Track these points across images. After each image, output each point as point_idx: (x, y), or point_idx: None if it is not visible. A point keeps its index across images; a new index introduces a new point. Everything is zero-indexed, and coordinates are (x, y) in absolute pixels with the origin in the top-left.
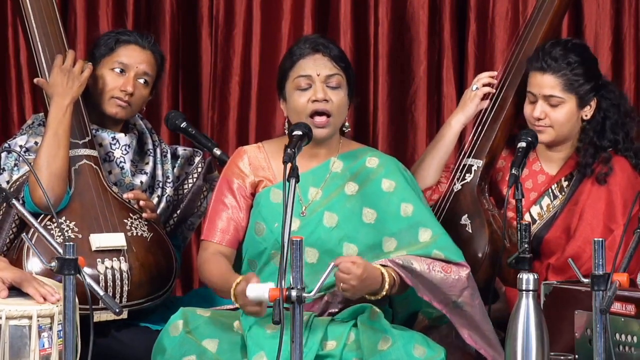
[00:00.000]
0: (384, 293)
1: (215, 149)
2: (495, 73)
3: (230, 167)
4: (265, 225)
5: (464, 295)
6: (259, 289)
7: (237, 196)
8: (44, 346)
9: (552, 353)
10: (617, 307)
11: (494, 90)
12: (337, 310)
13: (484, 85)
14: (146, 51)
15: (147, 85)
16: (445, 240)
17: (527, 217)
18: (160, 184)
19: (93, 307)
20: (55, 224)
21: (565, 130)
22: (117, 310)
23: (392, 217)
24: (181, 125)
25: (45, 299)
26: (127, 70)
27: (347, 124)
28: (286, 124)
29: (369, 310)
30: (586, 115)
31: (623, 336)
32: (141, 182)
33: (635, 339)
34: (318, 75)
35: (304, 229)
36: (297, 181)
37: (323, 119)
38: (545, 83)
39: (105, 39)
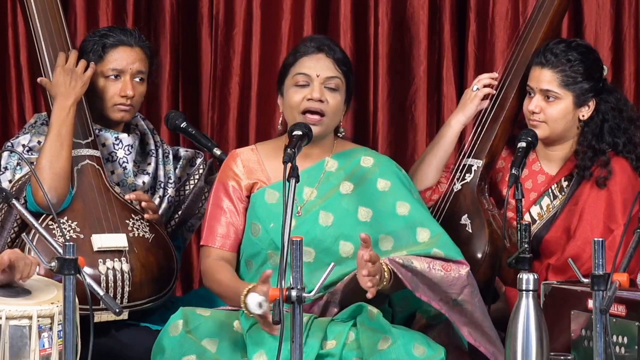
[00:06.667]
0: (379, 287)
1: (215, 149)
2: (496, 75)
3: (224, 170)
4: (261, 226)
5: (464, 292)
6: (253, 301)
7: (233, 199)
8: (44, 346)
9: (551, 353)
10: None
11: (494, 92)
12: (337, 310)
13: (484, 86)
14: (135, 49)
15: (143, 82)
16: (445, 238)
17: (526, 217)
18: (162, 185)
19: (93, 307)
20: (57, 224)
21: (559, 127)
22: (117, 310)
23: (388, 216)
24: (181, 125)
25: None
26: (122, 74)
27: (342, 128)
28: (280, 122)
29: (366, 311)
30: (583, 116)
31: (614, 337)
32: (143, 183)
33: (626, 339)
34: (318, 76)
35: (299, 229)
36: (297, 181)
37: (316, 117)
38: (542, 77)
39: (90, 44)
